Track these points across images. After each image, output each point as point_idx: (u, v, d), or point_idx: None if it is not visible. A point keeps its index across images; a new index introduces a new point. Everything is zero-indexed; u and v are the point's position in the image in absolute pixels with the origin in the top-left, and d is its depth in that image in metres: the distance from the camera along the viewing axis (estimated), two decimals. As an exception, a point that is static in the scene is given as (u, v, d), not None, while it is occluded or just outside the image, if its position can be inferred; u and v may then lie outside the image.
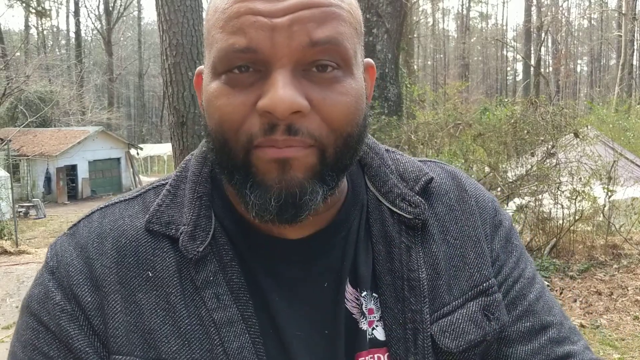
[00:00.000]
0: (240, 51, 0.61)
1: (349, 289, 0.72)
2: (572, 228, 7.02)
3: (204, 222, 0.70)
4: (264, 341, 0.67)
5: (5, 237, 12.56)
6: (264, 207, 0.63)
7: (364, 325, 0.72)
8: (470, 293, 0.74)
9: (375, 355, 0.71)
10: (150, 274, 0.68)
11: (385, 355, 0.71)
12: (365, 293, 0.72)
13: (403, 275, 0.72)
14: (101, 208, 0.76)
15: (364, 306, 0.72)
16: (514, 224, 0.85)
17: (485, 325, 0.73)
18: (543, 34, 40.23)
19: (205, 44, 0.68)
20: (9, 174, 15.06)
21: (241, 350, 0.66)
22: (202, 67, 0.71)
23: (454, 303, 0.73)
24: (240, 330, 0.67)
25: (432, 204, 0.78)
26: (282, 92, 0.59)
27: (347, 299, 0.72)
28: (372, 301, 0.72)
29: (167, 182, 0.76)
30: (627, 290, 5.95)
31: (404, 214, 0.74)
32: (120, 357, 0.65)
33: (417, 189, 0.77)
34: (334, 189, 0.67)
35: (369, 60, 0.74)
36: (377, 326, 0.72)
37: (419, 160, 0.83)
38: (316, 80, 0.62)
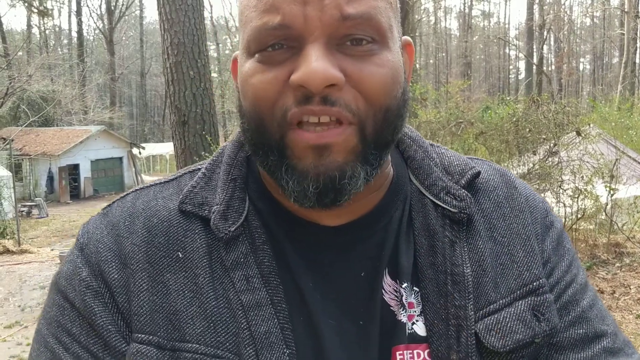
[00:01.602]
0: (274, 28, 0.60)
1: (387, 280, 0.70)
2: (574, 226, 7.00)
3: (237, 203, 0.70)
4: (293, 327, 0.65)
5: (8, 237, 12.57)
6: (303, 194, 0.62)
7: (403, 318, 0.69)
8: (518, 292, 0.70)
9: (415, 351, 0.67)
10: (181, 255, 0.68)
11: (426, 352, 0.67)
12: (405, 285, 0.69)
13: (446, 269, 0.69)
14: (136, 190, 0.76)
15: (403, 298, 0.69)
16: None
17: (535, 325, 0.69)
18: (545, 32, 40.16)
19: (240, 26, 0.67)
20: (11, 174, 15.08)
21: (268, 335, 0.64)
22: (237, 52, 0.70)
23: (501, 301, 0.69)
24: (269, 315, 0.65)
25: (479, 200, 0.75)
26: (316, 64, 0.58)
27: (384, 290, 0.69)
28: (413, 295, 0.69)
29: (203, 166, 0.76)
30: (630, 288, 5.93)
31: (449, 208, 0.71)
32: (143, 335, 0.65)
33: (463, 182, 0.74)
34: (378, 168, 0.65)
35: (407, 38, 0.72)
36: (417, 321, 0.69)
37: (467, 157, 0.80)
38: (351, 53, 0.61)
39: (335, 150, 0.61)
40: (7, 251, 11.70)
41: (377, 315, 0.68)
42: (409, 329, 0.68)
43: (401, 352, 0.67)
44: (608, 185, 6.96)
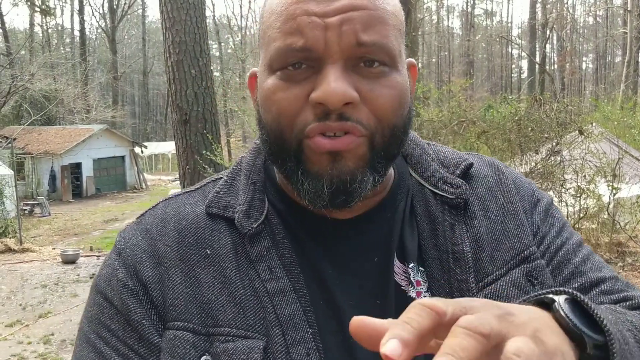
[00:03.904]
0: (297, 50, 0.67)
1: (397, 263, 0.77)
2: (576, 226, 6.99)
3: (258, 203, 0.78)
4: (315, 310, 0.73)
5: (10, 235, 12.60)
6: (318, 194, 0.70)
7: (412, 294, 0.76)
8: (512, 262, 0.77)
9: None
10: (209, 252, 0.75)
11: None
12: (412, 265, 0.77)
13: (447, 249, 0.76)
14: (166, 199, 0.85)
15: (411, 276, 0.77)
16: None
17: (530, 289, 0.75)
18: (548, 31, 40.08)
19: (261, 44, 0.75)
20: (13, 172, 15.11)
21: (292, 317, 0.71)
22: (255, 69, 0.79)
23: (497, 272, 0.76)
24: (292, 299, 0.72)
25: (473, 186, 0.82)
26: (334, 84, 0.65)
27: (395, 272, 0.77)
28: (419, 274, 0.77)
29: (225, 175, 0.84)
30: (632, 288, 5.92)
31: (447, 195, 0.79)
32: (179, 323, 0.72)
33: (458, 172, 0.82)
34: (383, 176, 0.73)
35: (412, 60, 0.80)
36: (424, 296, 0.75)
37: (459, 152, 0.89)
38: (364, 74, 0.69)
39: (347, 157, 0.68)
40: (9, 250, 11.73)
41: (392, 295, 0.75)
42: None
43: None
44: (610, 184, 6.95)
